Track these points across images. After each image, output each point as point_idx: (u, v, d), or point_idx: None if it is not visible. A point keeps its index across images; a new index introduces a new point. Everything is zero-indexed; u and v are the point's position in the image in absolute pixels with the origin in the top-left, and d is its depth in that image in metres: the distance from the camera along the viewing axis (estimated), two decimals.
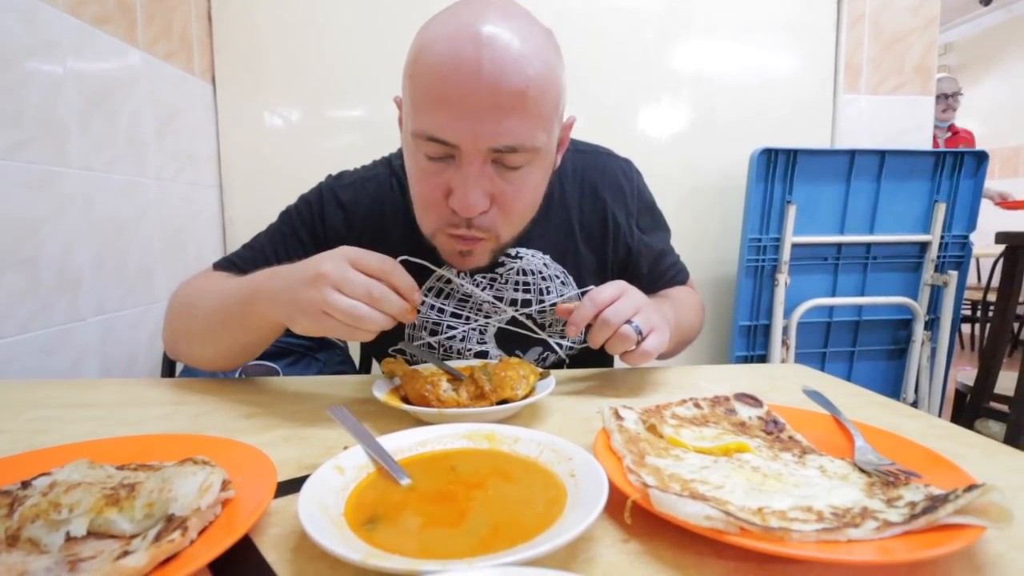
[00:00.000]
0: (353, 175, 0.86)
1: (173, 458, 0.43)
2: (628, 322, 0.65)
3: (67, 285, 1.10)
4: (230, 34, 1.68)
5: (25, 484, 0.40)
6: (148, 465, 0.43)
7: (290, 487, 0.42)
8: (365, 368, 1.31)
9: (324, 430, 0.57)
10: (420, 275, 0.79)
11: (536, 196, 0.72)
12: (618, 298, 0.66)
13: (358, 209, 0.82)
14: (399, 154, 0.87)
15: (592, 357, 0.86)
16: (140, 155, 1.33)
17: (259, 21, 1.69)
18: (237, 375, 1.04)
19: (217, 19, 1.67)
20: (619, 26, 1.77)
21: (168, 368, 1.22)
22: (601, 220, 0.85)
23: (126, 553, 0.32)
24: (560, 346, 0.86)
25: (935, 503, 0.35)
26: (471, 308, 0.81)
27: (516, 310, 0.82)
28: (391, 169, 0.86)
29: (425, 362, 0.72)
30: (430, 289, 0.81)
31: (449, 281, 0.81)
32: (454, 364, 0.70)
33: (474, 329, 0.82)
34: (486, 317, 0.82)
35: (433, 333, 0.82)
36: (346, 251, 0.59)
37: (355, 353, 1.32)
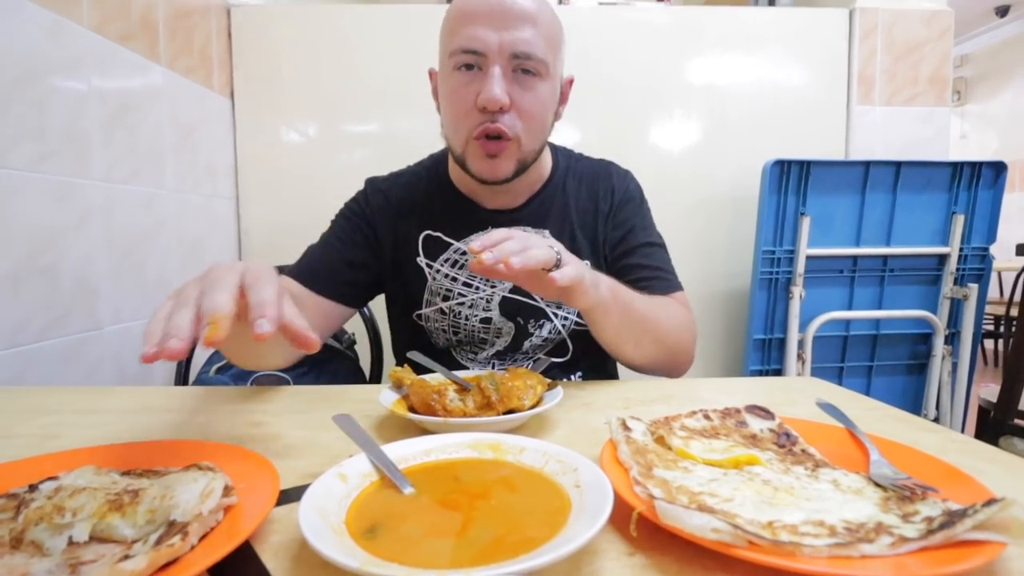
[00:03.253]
0: (387, 175, 1.00)
1: (178, 464, 0.43)
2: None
3: (85, 294, 1.12)
4: (249, 51, 1.72)
5: (32, 487, 0.40)
6: (153, 471, 0.43)
7: (293, 495, 0.42)
8: (375, 378, 1.31)
9: (330, 439, 0.57)
10: (439, 247, 0.91)
11: (546, 112, 0.84)
12: (531, 235, 0.64)
13: (394, 193, 0.95)
14: (428, 157, 1.01)
15: (594, 341, 0.87)
16: (159, 168, 1.36)
17: (277, 38, 1.73)
18: (248, 384, 1.04)
19: (237, 36, 1.71)
20: (631, 39, 1.78)
21: (182, 377, 1.23)
22: (593, 210, 0.95)
23: (127, 557, 0.32)
24: (555, 315, 0.92)
25: (953, 518, 0.34)
26: (481, 279, 0.91)
27: None
28: (421, 166, 1.00)
29: (433, 371, 0.72)
30: (446, 260, 0.91)
31: (464, 253, 0.90)
32: (462, 374, 0.70)
33: (482, 298, 0.91)
34: (492, 287, 0.91)
35: (445, 299, 0.92)
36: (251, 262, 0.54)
37: (365, 364, 1.32)
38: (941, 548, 0.33)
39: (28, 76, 0.99)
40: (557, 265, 0.64)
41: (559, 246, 0.66)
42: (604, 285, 0.73)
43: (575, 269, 0.65)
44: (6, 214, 0.95)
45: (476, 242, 0.60)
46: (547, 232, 0.92)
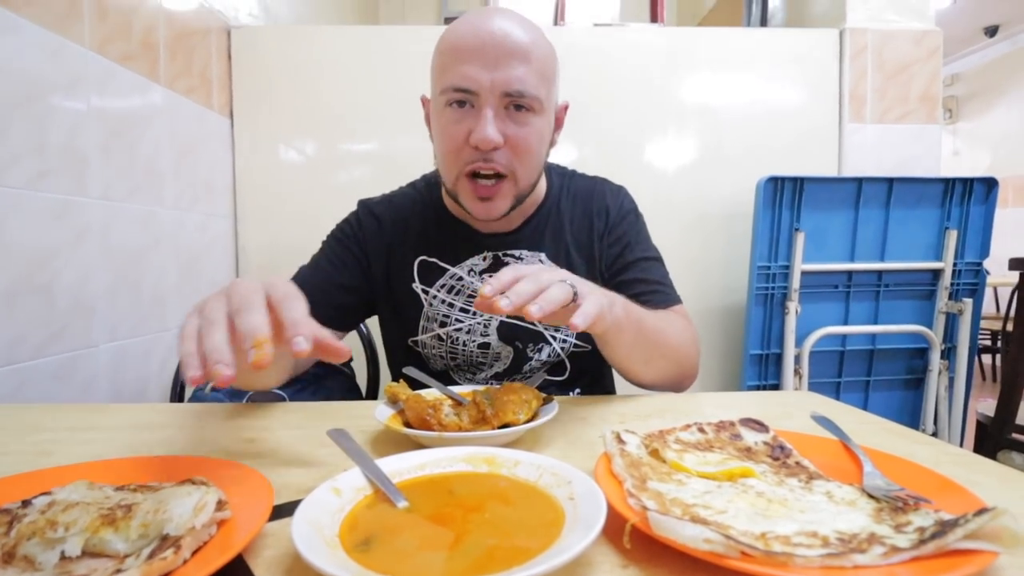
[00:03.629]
0: (381, 196, 0.99)
1: (173, 479, 0.43)
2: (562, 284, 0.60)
3: (81, 312, 1.12)
4: (248, 71, 1.74)
5: (25, 503, 0.40)
6: (147, 486, 0.43)
7: (287, 510, 0.42)
8: (372, 395, 1.31)
9: (325, 454, 0.57)
10: (435, 273, 0.91)
11: (541, 145, 0.83)
12: (542, 270, 0.61)
13: (387, 217, 0.95)
14: (421, 179, 1.01)
15: (592, 361, 0.91)
16: (158, 186, 1.37)
17: (276, 59, 1.76)
18: (244, 401, 1.04)
19: (236, 57, 1.73)
20: (625, 60, 1.81)
21: (177, 395, 1.23)
22: (588, 229, 0.95)
23: (119, 571, 0.32)
24: (554, 338, 0.91)
25: (944, 528, 0.34)
26: None
27: None
28: (415, 189, 0.99)
29: (429, 387, 0.72)
30: (442, 285, 0.91)
31: (460, 279, 0.91)
32: (457, 390, 0.70)
33: (479, 323, 0.90)
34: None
35: (443, 325, 0.91)
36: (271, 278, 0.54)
37: (362, 381, 1.32)
38: (933, 558, 0.33)
39: (28, 95, 1.00)
40: (574, 299, 0.61)
41: (571, 277, 0.63)
42: (619, 305, 0.72)
43: (594, 305, 0.61)
44: (4, 231, 0.95)
45: (487, 287, 0.56)
46: (543, 255, 0.92)
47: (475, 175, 0.80)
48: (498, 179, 0.80)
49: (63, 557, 0.34)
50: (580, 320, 0.58)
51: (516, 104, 0.77)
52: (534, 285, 0.57)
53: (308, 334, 0.45)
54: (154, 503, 0.38)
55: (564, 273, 0.63)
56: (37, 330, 1.02)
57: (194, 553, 0.35)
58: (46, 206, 1.04)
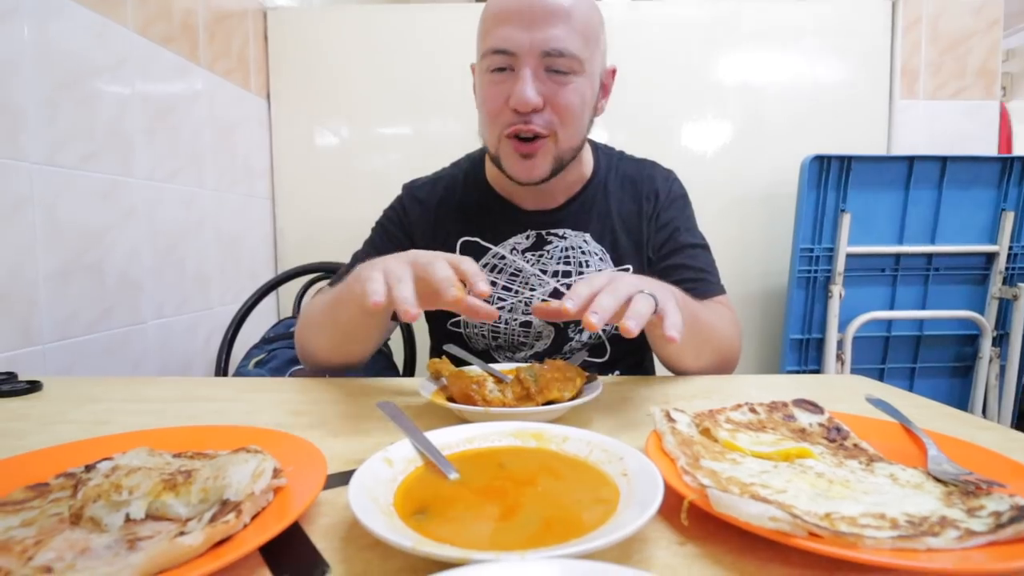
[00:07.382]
0: (425, 178, 0.99)
1: (227, 448, 0.44)
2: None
3: (129, 290, 1.16)
4: (285, 53, 1.76)
5: (89, 468, 0.41)
6: (204, 453, 0.44)
7: (339, 480, 0.42)
8: (409, 372, 1.32)
9: (372, 428, 0.57)
10: (478, 253, 0.91)
11: (584, 108, 0.81)
12: (614, 279, 0.59)
13: (431, 200, 0.95)
14: (465, 157, 1.01)
15: (633, 345, 0.91)
16: (199, 167, 1.39)
17: (311, 41, 1.76)
18: (287, 376, 1.06)
19: (273, 39, 1.74)
20: (664, 37, 1.76)
21: (222, 370, 1.26)
22: (636, 211, 0.93)
23: (182, 534, 0.32)
24: None
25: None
26: (520, 283, 0.90)
27: (558, 281, 0.89)
28: (458, 168, 0.99)
29: (470, 364, 0.72)
30: (485, 265, 0.90)
31: (503, 258, 0.91)
32: (499, 368, 0.70)
33: (520, 301, 0.90)
34: (531, 291, 0.90)
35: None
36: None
37: (399, 360, 1.33)
38: (1011, 543, 0.32)
39: (76, 78, 1.03)
40: (655, 310, 0.58)
41: (641, 281, 0.60)
42: (682, 301, 0.68)
43: (676, 311, 0.59)
44: (56, 211, 0.98)
45: (571, 304, 0.55)
46: (588, 235, 0.90)
47: (516, 136, 0.79)
48: (539, 140, 0.79)
49: (128, 519, 0.35)
50: (675, 333, 0.56)
51: (557, 65, 0.76)
52: (615, 299, 0.55)
53: (485, 280, 0.57)
54: (212, 469, 0.38)
55: (632, 278, 0.60)
56: (89, 307, 1.05)
57: (252, 518, 0.35)
58: (95, 186, 1.07)
